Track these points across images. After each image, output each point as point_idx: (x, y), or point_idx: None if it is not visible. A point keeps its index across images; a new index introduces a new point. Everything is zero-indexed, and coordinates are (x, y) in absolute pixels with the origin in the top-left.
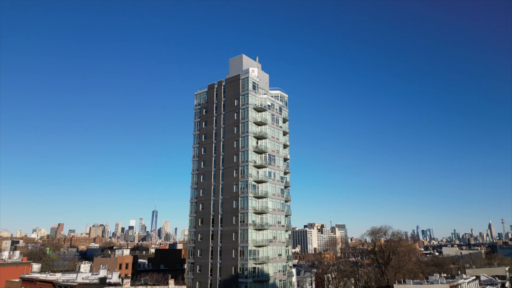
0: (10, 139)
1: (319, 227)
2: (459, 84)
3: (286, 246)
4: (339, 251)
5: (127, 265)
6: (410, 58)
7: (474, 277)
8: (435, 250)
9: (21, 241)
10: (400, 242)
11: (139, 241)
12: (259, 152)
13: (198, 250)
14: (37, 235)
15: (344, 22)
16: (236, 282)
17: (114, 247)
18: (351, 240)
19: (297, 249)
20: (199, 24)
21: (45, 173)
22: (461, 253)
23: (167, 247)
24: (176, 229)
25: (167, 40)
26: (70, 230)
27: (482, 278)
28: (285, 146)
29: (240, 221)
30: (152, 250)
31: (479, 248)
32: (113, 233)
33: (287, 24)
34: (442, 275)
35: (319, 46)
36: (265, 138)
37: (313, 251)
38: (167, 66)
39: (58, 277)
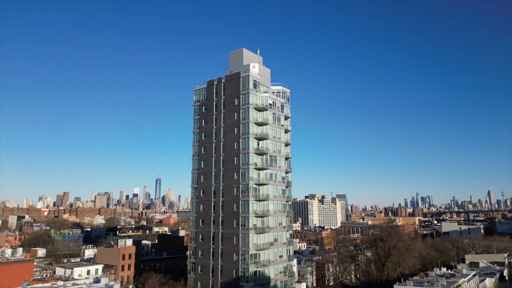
0: (18, 108)
1: (320, 198)
2: (457, 55)
3: (288, 246)
4: (340, 224)
5: (130, 255)
6: (409, 33)
7: (474, 273)
8: (433, 218)
9: (27, 216)
10: (401, 237)
11: (143, 209)
12: (260, 153)
13: (200, 251)
14: (43, 204)
15: (344, 10)
16: (237, 286)
17: (118, 227)
18: (351, 209)
19: (298, 224)
20: (199, 15)
21: (51, 142)
22: (460, 228)
23: (171, 219)
24: (179, 196)
25: (167, 31)
26: (75, 197)
27: (481, 265)
28: (286, 145)
29: (241, 225)
30: (156, 229)
31: (478, 224)
32: (117, 200)
33: (288, 13)
34: (442, 269)
35: (318, 30)
36: (266, 139)
37: (313, 224)
38: (168, 53)
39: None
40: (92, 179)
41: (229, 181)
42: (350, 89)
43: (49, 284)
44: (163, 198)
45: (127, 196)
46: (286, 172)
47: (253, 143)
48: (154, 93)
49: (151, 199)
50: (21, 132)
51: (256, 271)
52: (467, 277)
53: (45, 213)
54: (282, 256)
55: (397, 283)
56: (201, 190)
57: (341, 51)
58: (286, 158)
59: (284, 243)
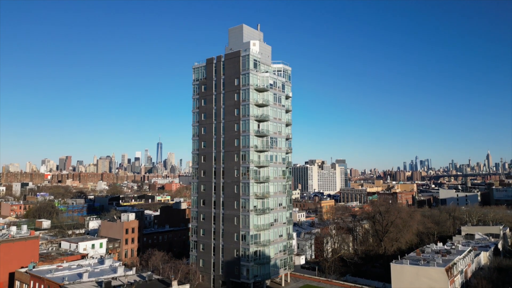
0: (20, 71)
1: (319, 164)
2: (458, 18)
3: (287, 225)
4: (339, 190)
5: (133, 229)
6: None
7: (469, 249)
8: (431, 181)
9: (30, 183)
10: (399, 214)
11: (145, 173)
12: (260, 136)
13: (201, 230)
14: (46, 167)
15: None
16: (238, 265)
17: (120, 196)
18: (350, 172)
19: (298, 191)
20: None
21: (54, 106)
22: (457, 195)
23: (173, 185)
24: (181, 160)
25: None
26: (78, 161)
27: (477, 237)
28: (287, 125)
29: (242, 206)
30: (158, 198)
31: (475, 191)
32: (120, 164)
33: None
34: (438, 244)
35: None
36: (266, 120)
37: (313, 189)
38: (168, 20)
39: (65, 273)
40: (93, 142)
41: (230, 163)
42: (349, 54)
43: (54, 266)
44: (165, 162)
45: (129, 160)
46: (287, 153)
47: (253, 125)
48: (155, 56)
49: (153, 163)
50: (24, 95)
51: (256, 251)
52: (463, 254)
53: (49, 177)
54: (282, 235)
55: (393, 261)
56: (202, 171)
57: (340, 19)
58: (287, 139)
59: (284, 223)
